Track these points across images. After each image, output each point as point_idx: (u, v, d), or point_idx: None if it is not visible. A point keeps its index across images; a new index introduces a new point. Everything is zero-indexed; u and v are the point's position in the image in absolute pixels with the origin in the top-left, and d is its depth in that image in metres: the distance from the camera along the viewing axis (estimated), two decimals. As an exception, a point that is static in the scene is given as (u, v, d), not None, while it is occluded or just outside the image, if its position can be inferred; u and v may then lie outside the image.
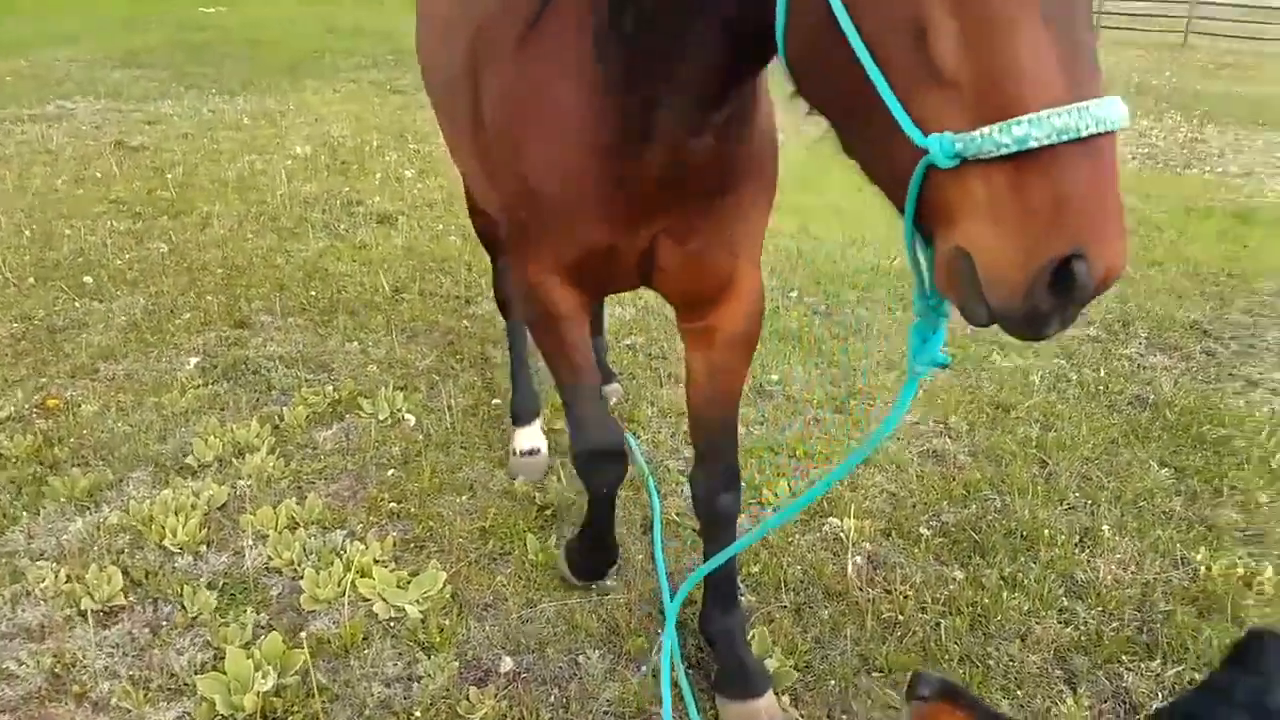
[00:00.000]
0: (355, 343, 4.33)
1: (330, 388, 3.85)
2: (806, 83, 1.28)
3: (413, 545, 2.90)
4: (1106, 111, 1.00)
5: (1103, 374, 4.25)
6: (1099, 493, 3.29)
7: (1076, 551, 2.94)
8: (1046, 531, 3.02)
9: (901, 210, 1.16)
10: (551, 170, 1.79)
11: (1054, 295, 1.02)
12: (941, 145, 1.04)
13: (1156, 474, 3.42)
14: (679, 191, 1.78)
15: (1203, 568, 2.87)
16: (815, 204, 7.15)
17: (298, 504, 3.04)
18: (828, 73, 1.19)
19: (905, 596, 2.73)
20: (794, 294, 5.24)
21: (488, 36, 1.94)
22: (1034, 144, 0.99)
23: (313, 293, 4.91)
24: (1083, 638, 2.60)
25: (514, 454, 3.30)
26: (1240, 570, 2.84)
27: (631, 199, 1.79)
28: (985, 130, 1.00)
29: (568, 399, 2.20)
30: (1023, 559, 2.90)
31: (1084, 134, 0.99)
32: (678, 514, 3.07)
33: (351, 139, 8.66)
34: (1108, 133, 1.01)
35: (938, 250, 1.13)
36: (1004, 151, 1.00)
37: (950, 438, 3.69)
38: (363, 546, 2.83)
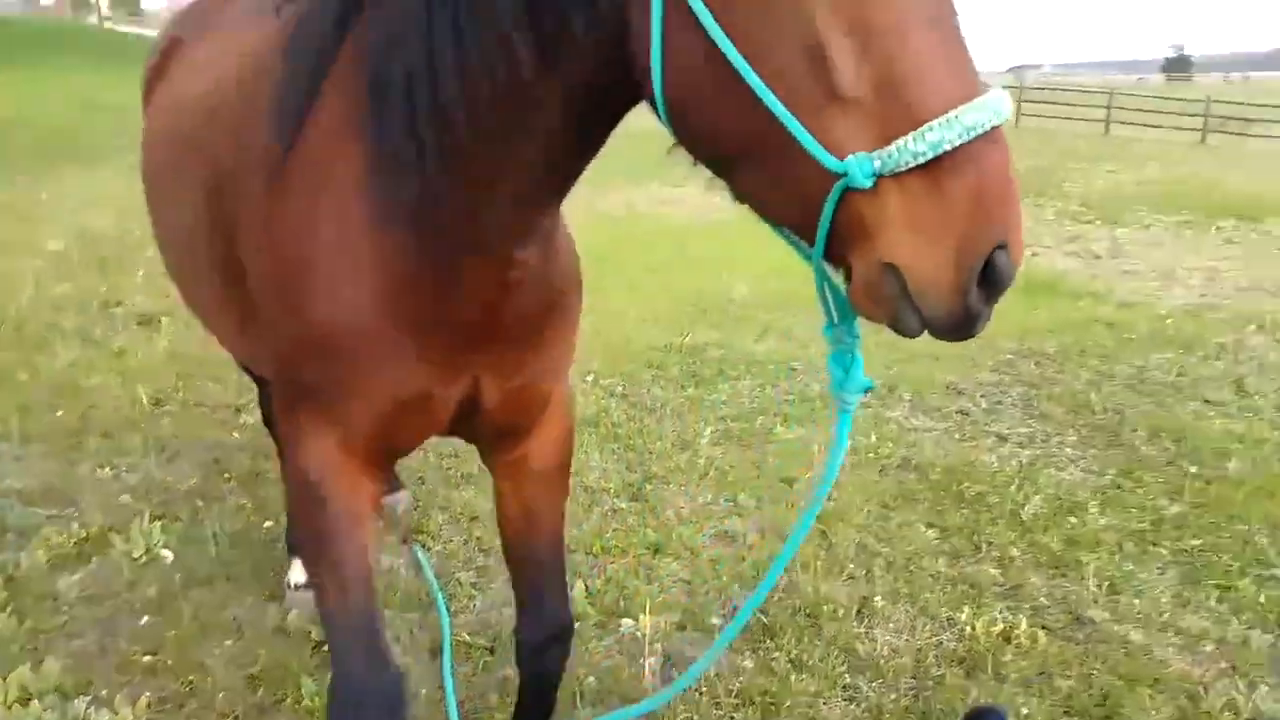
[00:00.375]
0: (108, 468, 3.94)
1: (76, 524, 3.46)
2: (691, 130, 1.19)
3: (170, 705, 2.61)
4: (998, 102, 1.02)
5: (874, 439, 4.54)
6: (874, 560, 3.47)
7: (856, 625, 3.07)
8: (828, 606, 3.14)
9: (808, 242, 1.13)
10: (346, 314, 1.50)
11: (983, 291, 1.03)
12: (860, 166, 1.02)
13: (923, 535, 3.66)
14: (505, 316, 1.57)
15: (967, 627, 3.06)
16: (610, 281, 7.31)
17: (32, 670, 2.68)
18: (717, 114, 1.12)
19: (700, 693, 2.74)
20: (591, 377, 5.28)
21: (233, 171, 1.66)
22: (948, 147, 0.99)
23: (60, 413, 4.45)
24: (865, 714, 2.70)
25: (289, 586, 3.06)
26: (1000, 626, 3.06)
27: (452, 335, 1.55)
28: (900, 143, 1.00)
29: (332, 629, 1.73)
30: (808, 638, 2.99)
31: (988, 128, 1.00)
32: (469, 634, 2.95)
33: (113, 230, 8.04)
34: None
35: (856, 271, 1.10)
36: (920, 160, 1.00)
37: (740, 516, 3.80)
38: (110, 714, 2.52)
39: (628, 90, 1.23)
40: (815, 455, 4.31)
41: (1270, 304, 7.69)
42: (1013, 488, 4.04)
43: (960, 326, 1.06)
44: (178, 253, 2.25)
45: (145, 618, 2.99)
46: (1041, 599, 3.27)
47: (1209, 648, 3.01)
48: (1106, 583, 3.36)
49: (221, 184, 1.72)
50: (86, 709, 2.58)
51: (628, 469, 4.15)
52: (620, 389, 5.17)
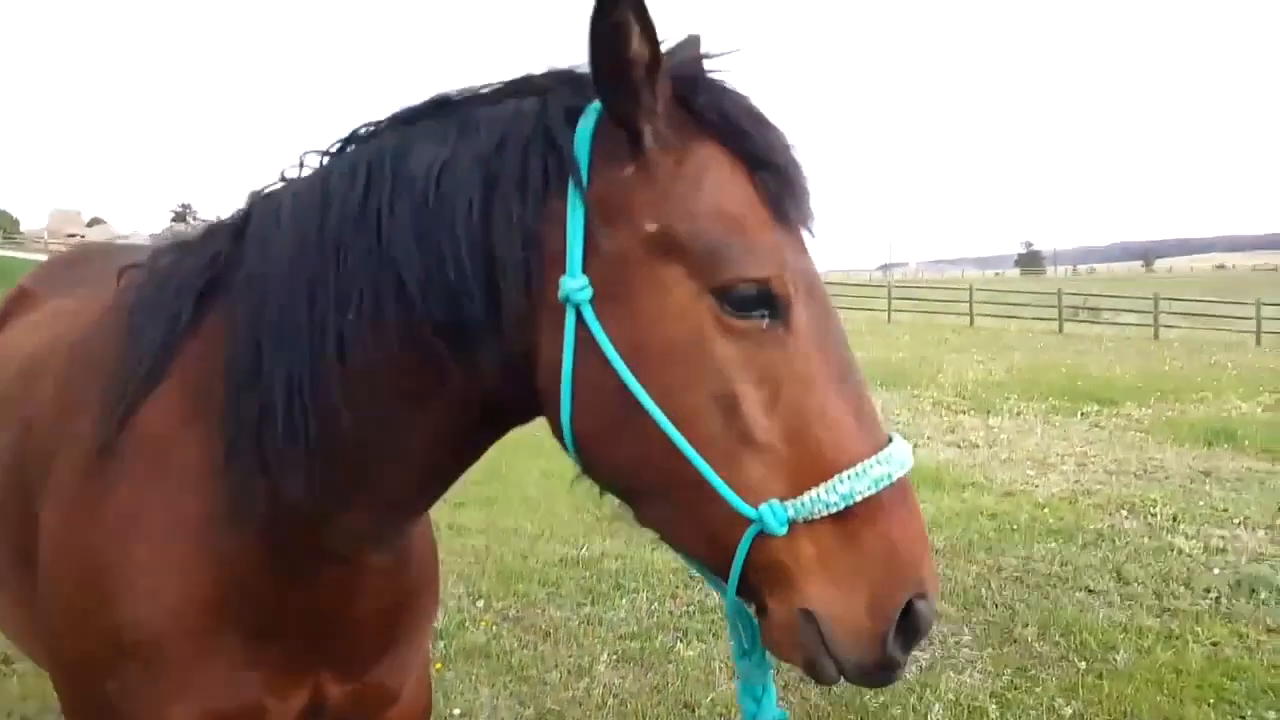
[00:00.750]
0: (-65, 746, 3.52)
1: (-112, 819, 3.04)
2: (600, 465, 1.18)
3: None
4: (903, 452, 1.06)
5: (775, 652, 4.45)
6: (781, 793, 3.32)
7: None
8: None
9: (717, 574, 1.12)
10: (164, 618, 1.33)
11: (902, 638, 1.04)
12: (774, 514, 1.03)
13: (830, 760, 3.55)
14: (354, 621, 1.46)
15: None
16: (503, 494, 7.23)
17: None
18: (627, 451, 1.12)
19: None
20: (481, 602, 5.10)
21: (46, 444, 1.50)
22: (858, 498, 1.02)
23: (-115, 679, 3.99)
24: None
25: None
26: None
27: (292, 642, 1.41)
28: (813, 493, 1.02)
29: None
30: None
31: (895, 478, 1.04)
32: None
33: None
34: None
35: (773, 613, 1.09)
36: (833, 510, 1.02)
37: (641, 755, 3.62)
38: None
39: (529, 409, 1.24)
40: (717, 674, 4.20)
41: (1137, 486, 8.14)
42: (914, 697, 4.00)
43: (878, 674, 1.07)
44: None
45: None
46: (951, 823, 3.17)
47: None
48: (1013, 799, 3.29)
49: (28, 454, 1.57)
50: None
51: (520, 704, 3.94)
52: (513, 612, 4.99)
